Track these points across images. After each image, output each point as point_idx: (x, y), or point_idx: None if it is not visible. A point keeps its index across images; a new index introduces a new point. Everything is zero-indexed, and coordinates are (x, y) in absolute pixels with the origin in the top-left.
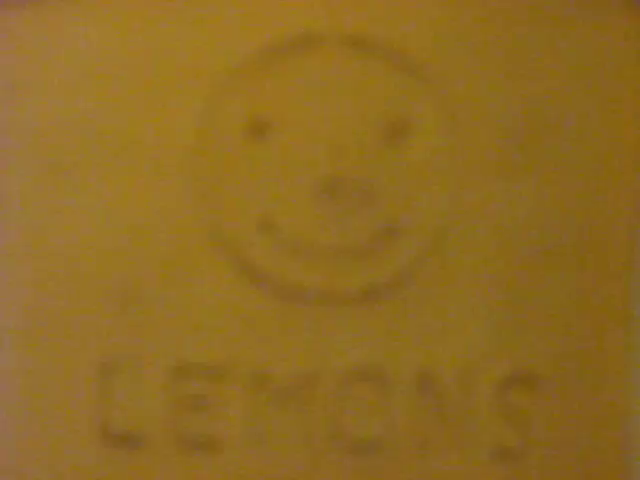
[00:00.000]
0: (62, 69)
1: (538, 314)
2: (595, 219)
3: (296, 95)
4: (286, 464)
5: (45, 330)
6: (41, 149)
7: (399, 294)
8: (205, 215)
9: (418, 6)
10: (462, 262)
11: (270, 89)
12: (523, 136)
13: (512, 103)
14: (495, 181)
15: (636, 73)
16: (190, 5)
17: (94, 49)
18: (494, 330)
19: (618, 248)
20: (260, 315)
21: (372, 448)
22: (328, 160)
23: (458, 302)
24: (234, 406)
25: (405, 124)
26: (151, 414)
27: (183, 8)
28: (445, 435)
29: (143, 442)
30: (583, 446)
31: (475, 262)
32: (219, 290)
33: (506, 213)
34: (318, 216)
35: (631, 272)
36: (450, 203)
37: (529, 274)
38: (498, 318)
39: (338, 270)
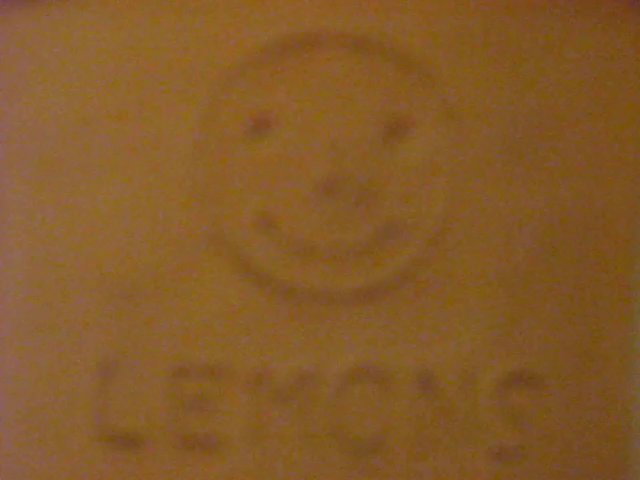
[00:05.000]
0: (62, 69)
1: (538, 314)
2: (595, 220)
3: (296, 94)
4: (286, 464)
5: (45, 330)
6: (41, 149)
7: (399, 294)
8: (205, 214)
9: (419, 6)
10: (462, 262)
11: (270, 88)
12: (523, 136)
13: (512, 103)
14: (495, 181)
15: (638, 76)
16: (191, 4)
17: (94, 48)
18: (494, 330)
19: (619, 249)
20: (260, 315)
21: (372, 448)
22: (328, 159)
23: (458, 301)
24: (234, 406)
25: (405, 123)
26: (151, 414)
27: (184, 7)
28: (445, 435)
29: (143, 442)
30: (583, 445)
31: (475, 262)
32: (219, 290)
33: (506, 213)
34: (318, 215)
35: (632, 272)
36: (450, 203)
37: (529, 274)
38: (498, 317)
39: (338, 269)
